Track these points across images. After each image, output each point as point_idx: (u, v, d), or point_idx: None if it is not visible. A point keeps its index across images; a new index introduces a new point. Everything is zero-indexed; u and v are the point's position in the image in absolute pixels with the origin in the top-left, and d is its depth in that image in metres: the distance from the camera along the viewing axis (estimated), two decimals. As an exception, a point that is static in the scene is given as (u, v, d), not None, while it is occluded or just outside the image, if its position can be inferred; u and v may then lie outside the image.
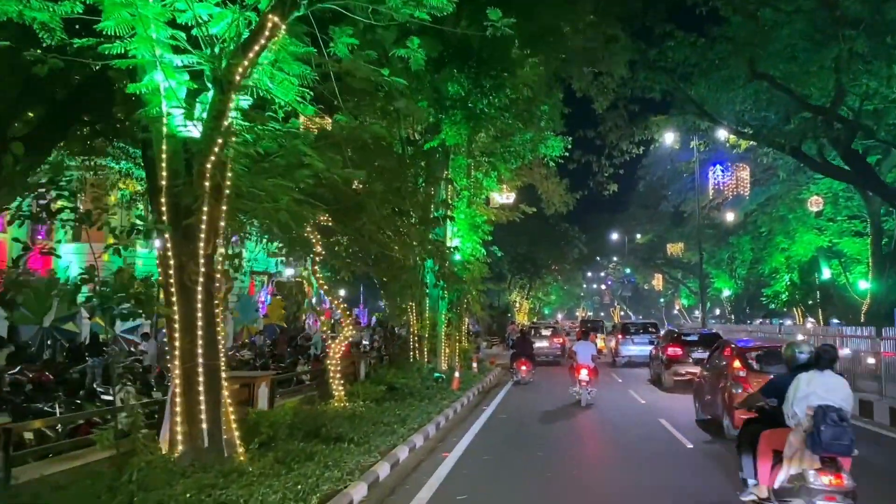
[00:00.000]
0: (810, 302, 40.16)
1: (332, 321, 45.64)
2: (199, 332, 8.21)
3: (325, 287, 14.64)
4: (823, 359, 6.45)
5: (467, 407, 16.61)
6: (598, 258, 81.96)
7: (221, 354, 8.53)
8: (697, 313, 78.10)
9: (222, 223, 8.50)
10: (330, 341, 14.46)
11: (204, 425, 8.09)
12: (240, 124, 8.56)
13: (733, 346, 13.66)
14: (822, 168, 24.35)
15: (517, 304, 67.20)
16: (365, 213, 12.70)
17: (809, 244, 35.57)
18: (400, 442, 10.78)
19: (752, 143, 27.30)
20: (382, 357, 22.68)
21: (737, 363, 12.71)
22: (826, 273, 37.00)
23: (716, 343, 15.90)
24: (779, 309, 44.64)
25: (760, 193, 34.96)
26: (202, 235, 8.28)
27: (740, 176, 25.38)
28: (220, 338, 8.53)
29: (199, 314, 8.24)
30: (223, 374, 8.52)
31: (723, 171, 26.19)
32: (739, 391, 11.91)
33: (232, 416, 8.63)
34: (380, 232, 13.38)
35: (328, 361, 14.20)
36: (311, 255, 14.12)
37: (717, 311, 76.33)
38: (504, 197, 29.35)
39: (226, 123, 8.19)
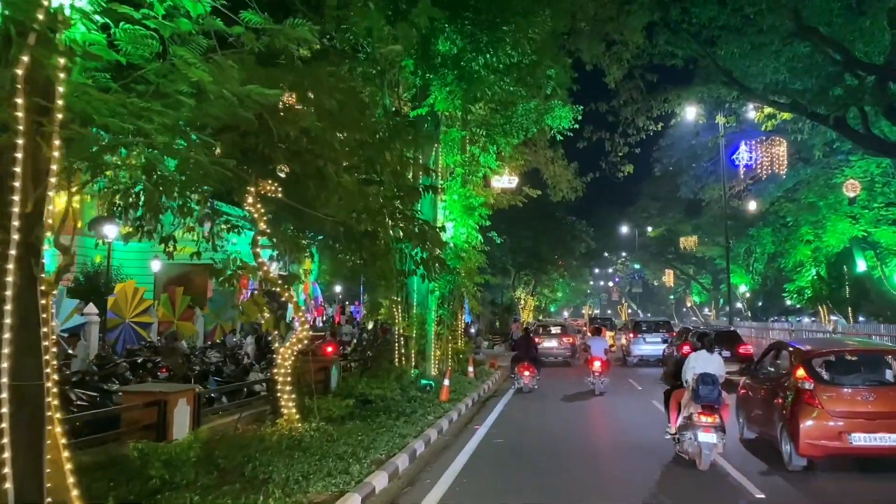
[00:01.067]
0: (840, 298, 36.93)
1: (325, 318, 42.72)
2: (8, 335, 5.20)
3: (266, 268, 11.62)
4: (705, 343, 10.48)
5: (457, 424, 13.56)
6: (605, 254, 78.94)
7: (48, 369, 5.48)
8: (707, 311, 75.51)
9: (54, 165, 5.50)
10: (278, 344, 11.47)
11: (8, 483, 5.06)
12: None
13: (794, 350, 10.57)
14: (868, 142, 21.21)
15: (522, 302, 64.22)
16: (318, 171, 9.66)
17: (842, 234, 32.37)
18: (351, 486, 7.74)
19: (782, 120, 24.14)
20: (368, 360, 19.63)
21: (801, 372, 9.69)
22: (861, 265, 33.78)
23: (770, 347, 12.74)
24: (803, 306, 41.50)
25: (788, 178, 31.80)
26: (16, 183, 5.28)
27: (775, 152, 22.19)
28: (44, 344, 5.49)
29: (10, 306, 5.23)
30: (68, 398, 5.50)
31: (754, 147, 23.00)
32: (806, 410, 9.14)
33: (67, 463, 5.59)
34: (339, 201, 10.33)
35: (275, 370, 11.21)
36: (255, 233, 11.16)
37: (729, 308, 73.55)
38: (506, 180, 26.28)
39: (45, 2, 5.17)
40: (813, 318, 39.72)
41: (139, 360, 19.15)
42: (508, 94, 18.38)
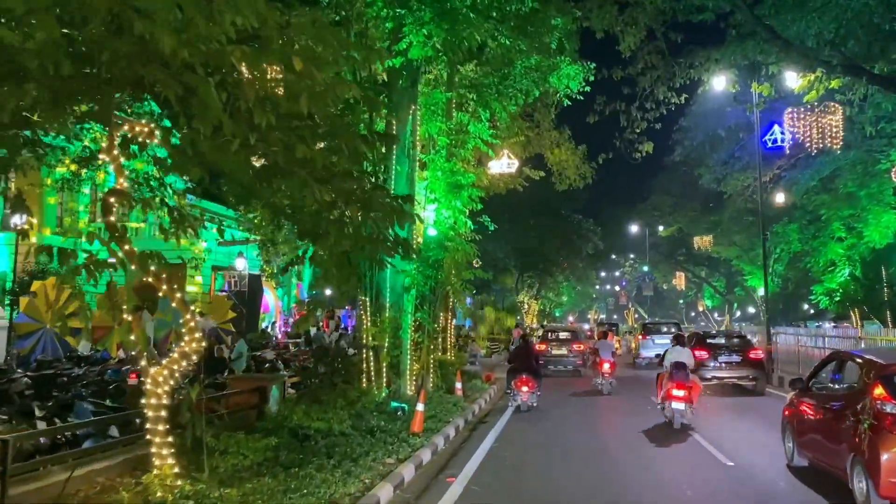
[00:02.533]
0: (877, 301, 33.14)
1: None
2: None
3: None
4: (679, 341, 14.70)
5: (427, 469, 9.86)
6: (613, 256, 75.21)
7: None
8: (718, 316, 71.72)
9: None
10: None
11: None
12: None
13: (866, 362, 8.26)
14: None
15: (526, 306, 60.55)
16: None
17: (887, 227, 28.60)
18: None
19: (828, 89, 20.38)
20: (319, 377, 15.90)
21: (880, 390, 7.62)
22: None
23: (830, 357, 10.16)
24: (833, 309, 37.74)
25: (825, 165, 28.08)
26: None
27: (827, 122, 18.49)
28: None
29: None
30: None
31: (799, 118, 19.28)
32: (890, 439, 7.26)
33: None
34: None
35: (144, 400, 7.58)
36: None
37: (743, 312, 69.96)
38: (504, 163, 22.65)
39: None
40: (834, 324, 36.03)
41: (52, 374, 15.81)
42: (505, 49, 14.80)
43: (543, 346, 26.31)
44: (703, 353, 19.00)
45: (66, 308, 18.82)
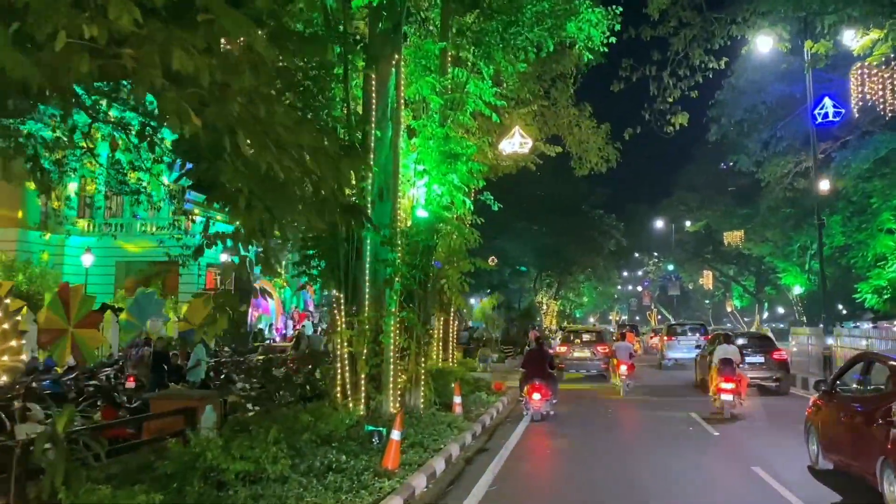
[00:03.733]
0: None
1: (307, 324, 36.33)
2: None
3: None
4: (727, 339, 16.65)
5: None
6: (636, 254, 71.99)
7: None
8: (748, 318, 68.10)
9: None
10: None
11: None
12: None
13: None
14: None
15: (544, 306, 57.51)
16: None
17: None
18: None
19: (894, 49, 17.29)
20: (271, 393, 13.08)
21: None
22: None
23: (857, 358, 9.84)
24: (882, 308, 34.35)
25: (881, 144, 24.84)
26: None
27: (902, 81, 15.46)
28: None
29: None
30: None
31: (868, 77, 16.26)
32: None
33: None
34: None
35: None
36: None
37: (772, 313, 66.39)
38: (517, 141, 19.77)
39: None
40: (874, 324, 32.71)
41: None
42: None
43: (564, 349, 24.28)
44: None
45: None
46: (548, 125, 23.12)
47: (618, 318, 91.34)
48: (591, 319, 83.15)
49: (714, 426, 13.48)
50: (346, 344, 11.86)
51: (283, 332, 36.85)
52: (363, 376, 11.76)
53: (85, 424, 9.23)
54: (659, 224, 60.01)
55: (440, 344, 17.26)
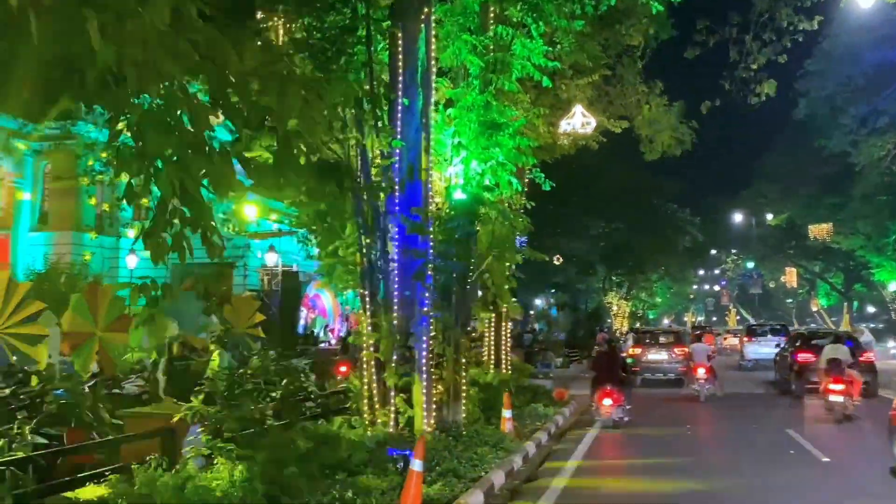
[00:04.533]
0: None
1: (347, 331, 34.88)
2: None
3: None
4: (837, 339, 17.65)
5: None
6: (712, 251, 68.14)
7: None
8: (835, 318, 63.55)
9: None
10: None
11: None
12: None
13: None
14: None
15: (615, 307, 54.67)
16: None
17: None
18: None
19: None
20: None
21: None
22: None
23: None
24: None
25: None
26: None
27: None
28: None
29: None
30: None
31: None
32: None
33: None
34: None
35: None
36: None
37: (861, 312, 61.76)
38: (578, 120, 17.71)
39: None
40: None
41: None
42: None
43: (638, 351, 22.55)
44: (809, 356, 18.56)
45: (21, 312, 15.14)
46: (613, 105, 20.90)
47: (694, 320, 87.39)
48: (666, 321, 79.62)
49: (821, 448, 11.13)
50: (371, 349, 10.11)
51: (340, 334, 35.50)
52: (391, 387, 9.96)
53: (49, 446, 7.74)
54: (737, 218, 56.37)
55: (491, 348, 15.33)
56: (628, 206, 43.94)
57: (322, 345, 30.46)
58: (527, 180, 15.28)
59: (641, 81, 20.47)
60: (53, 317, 17.58)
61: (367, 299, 10.23)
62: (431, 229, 9.99)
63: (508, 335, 16.05)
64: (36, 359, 15.03)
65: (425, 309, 9.94)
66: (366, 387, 10.27)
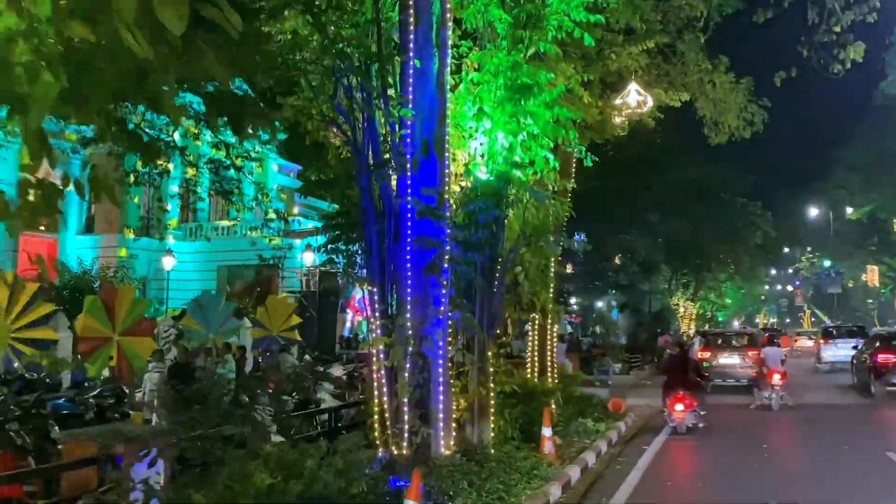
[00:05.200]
0: None
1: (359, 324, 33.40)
2: None
3: None
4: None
5: None
6: (785, 248, 64.46)
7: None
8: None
9: None
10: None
11: None
12: None
13: None
14: None
15: (681, 309, 51.85)
16: None
17: None
18: None
19: None
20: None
21: None
22: None
23: None
24: None
25: None
26: None
27: None
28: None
29: None
30: None
31: None
32: None
33: None
34: None
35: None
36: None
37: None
38: (632, 97, 15.89)
39: None
40: None
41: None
42: None
43: (707, 354, 21.04)
44: (889, 357, 18.34)
45: (29, 314, 14.17)
46: (673, 85, 18.89)
47: (766, 322, 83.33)
48: (735, 323, 75.93)
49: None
50: (381, 356, 8.57)
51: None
52: (404, 400, 8.39)
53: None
54: (813, 212, 52.93)
55: (535, 354, 13.61)
56: (694, 200, 41.44)
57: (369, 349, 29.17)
58: (573, 167, 13.57)
59: (704, 57, 18.46)
60: (66, 320, 16.72)
61: (376, 298, 8.69)
62: (448, 214, 8.39)
63: (555, 338, 14.28)
64: (40, 362, 14.13)
65: (441, 308, 8.34)
66: (376, 399, 8.74)
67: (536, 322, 13.68)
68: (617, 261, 44.52)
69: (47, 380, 13.44)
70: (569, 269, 45.50)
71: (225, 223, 35.58)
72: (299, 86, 9.23)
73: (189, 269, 35.36)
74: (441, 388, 8.29)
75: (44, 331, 14.48)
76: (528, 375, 13.47)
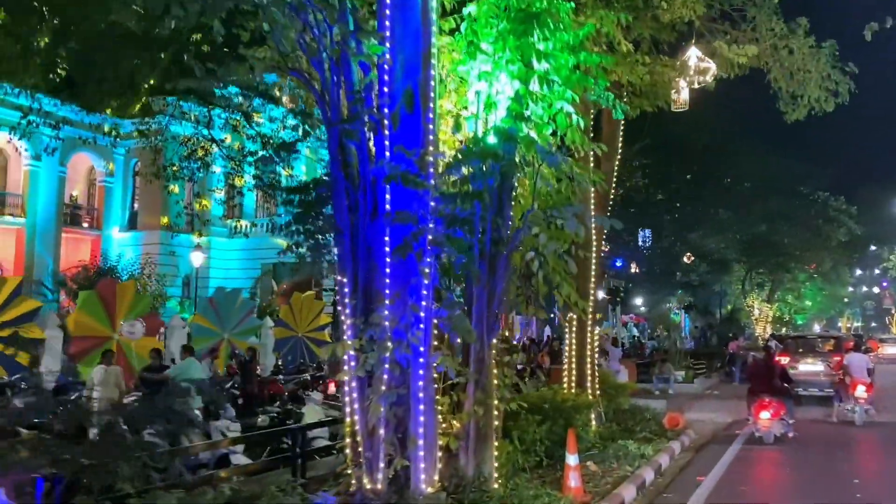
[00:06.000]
0: None
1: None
2: None
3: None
4: None
5: None
6: (872, 246, 59.93)
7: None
8: None
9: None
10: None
11: None
12: None
13: None
14: None
15: (756, 311, 48.40)
16: None
17: None
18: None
19: None
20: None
21: None
22: None
23: None
24: None
25: None
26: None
27: None
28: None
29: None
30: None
31: None
32: None
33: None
34: None
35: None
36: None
37: None
38: (692, 62, 13.66)
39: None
40: None
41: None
42: None
43: (785, 361, 18.81)
44: None
45: (11, 311, 12.89)
46: (743, 52, 16.50)
47: (849, 326, 78.27)
48: (816, 327, 71.36)
49: None
50: (352, 364, 6.74)
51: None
52: (377, 420, 6.54)
53: None
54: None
55: (573, 360, 11.56)
56: (769, 193, 38.37)
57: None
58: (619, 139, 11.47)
59: (779, 20, 16.01)
60: (56, 318, 15.48)
61: (347, 290, 6.86)
62: (432, 182, 6.50)
63: (595, 342, 12.16)
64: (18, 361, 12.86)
65: (422, 304, 6.45)
66: (348, 419, 6.93)
67: (574, 323, 11.64)
68: (686, 259, 41.66)
69: (21, 384, 12.06)
70: (635, 269, 43.03)
71: (265, 220, 34.58)
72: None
73: (233, 266, 34.45)
74: (422, 407, 6.39)
75: (27, 328, 13.27)
76: (565, 385, 11.49)
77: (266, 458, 8.07)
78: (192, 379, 9.42)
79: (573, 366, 11.59)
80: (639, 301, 46.23)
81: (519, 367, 18.17)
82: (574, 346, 11.67)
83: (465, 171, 6.71)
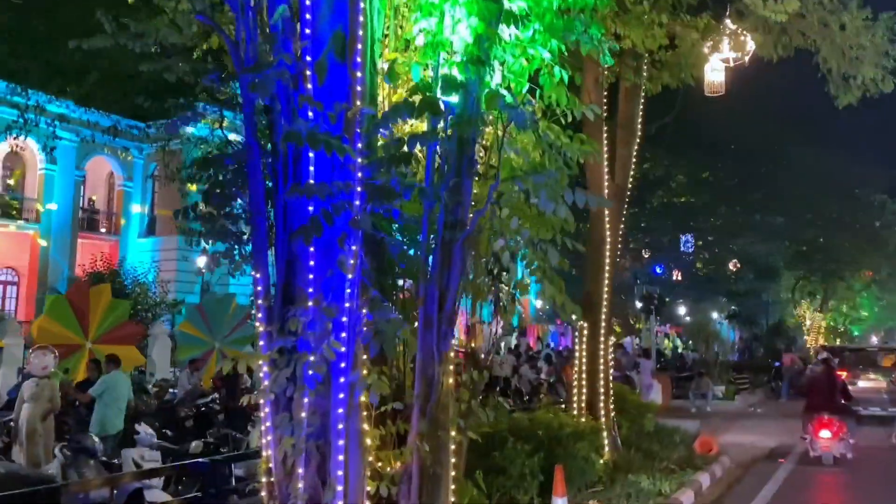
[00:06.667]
0: None
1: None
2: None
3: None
4: None
5: None
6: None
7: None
8: None
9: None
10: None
11: None
12: None
13: None
14: None
15: (807, 322, 45.71)
16: None
17: None
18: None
19: None
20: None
21: None
22: None
23: None
24: None
25: None
26: None
27: None
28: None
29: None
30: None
31: None
32: None
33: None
34: None
35: None
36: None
37: None
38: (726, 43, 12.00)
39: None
40: None
41: None
42: None
43: (843, 376, 17.23)
44: None
45: None
46: (787, 32, 14.73)
47: (909, 338, 74.39)
48: (874, 339, 67.80)
49: None
50: (264, 380, 5.25)
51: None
52: (299, 456, 5.02)
53: None
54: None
55: (582, 375, 9.90)
56: (820, 196, 36.03)
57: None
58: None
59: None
60: (16, 325, 14.34)
61: (260, 286, 5.38)
62: (359, 146, 4.99)
63: (609, 354, 10.43)
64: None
65: (347, 305, 4.93)
66: (264, 452, 5.42)
67: (584, 331, 10.00)
68: (731, 266, 39.50)
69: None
70: (677, 276, 40.92)
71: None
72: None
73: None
74: (341, 442, 4.85)
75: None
76: (575, 405, 9.85)
77: (186, 497, 6.59)
78: (119, 397, 8.00)
79: (583, 382, 9.93)
80: (682, 311, 44.09)
81: (532, 378, 16.52)
82: (584, 359, 10.00)
83: (407, 128, 5.17)
